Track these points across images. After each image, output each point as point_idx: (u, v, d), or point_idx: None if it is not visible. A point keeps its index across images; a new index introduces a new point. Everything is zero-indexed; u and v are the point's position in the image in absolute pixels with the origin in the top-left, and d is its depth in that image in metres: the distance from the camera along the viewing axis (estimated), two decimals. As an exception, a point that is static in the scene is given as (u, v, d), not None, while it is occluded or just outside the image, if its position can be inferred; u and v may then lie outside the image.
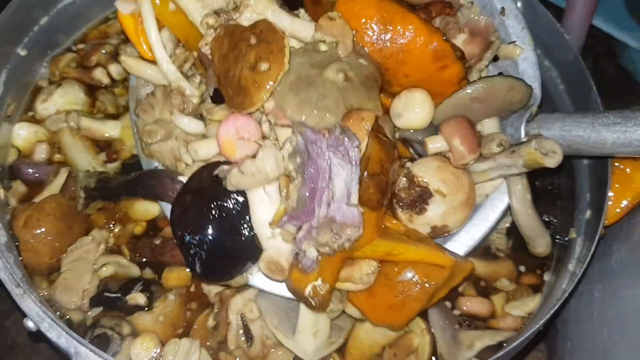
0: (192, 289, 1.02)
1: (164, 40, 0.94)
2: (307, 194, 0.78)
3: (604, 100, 1.02)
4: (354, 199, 0.79)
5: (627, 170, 1.01)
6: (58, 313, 0.98)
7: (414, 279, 0.85)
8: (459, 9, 0.97)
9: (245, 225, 0.85)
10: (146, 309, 0.99)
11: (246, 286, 0.94)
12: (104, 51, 1.21)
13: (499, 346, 0.97)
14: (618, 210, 1.02)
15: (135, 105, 0.97)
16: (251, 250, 0.85)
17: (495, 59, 1.00)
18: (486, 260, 1.06)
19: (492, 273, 1.06)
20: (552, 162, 0.84)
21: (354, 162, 0.78)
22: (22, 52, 1.15)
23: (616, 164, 1.01)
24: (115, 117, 1.16)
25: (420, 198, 0.88)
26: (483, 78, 0.92)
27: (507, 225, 1.07)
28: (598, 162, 1.02)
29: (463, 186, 0.89)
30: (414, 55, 0.87)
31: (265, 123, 0.85)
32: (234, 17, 0.87)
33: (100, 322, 0.97)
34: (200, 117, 0.92)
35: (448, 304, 1.03)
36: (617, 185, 1.01)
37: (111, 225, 1.06)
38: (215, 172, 0.84)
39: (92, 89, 1.19)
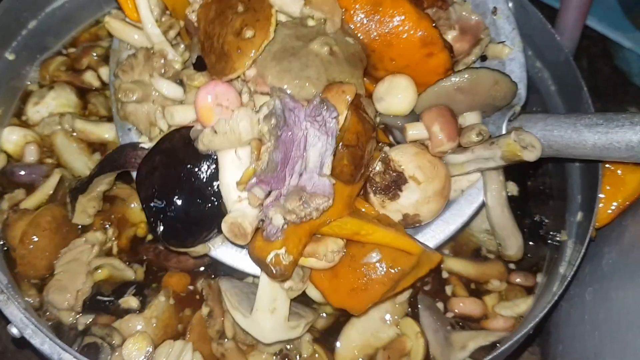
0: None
1: (151, 5, 0.93)
2: (279, 158, 0.77)
3: (599, 101, 1.02)
4: (327, 170, 0.78)
5: (618, 172, 1.01)
6: (48, 313, 0.97)
7: (379, 262, 0.83)
8: (452, 5, 0.97)
9: (213, 192, 0.83)
10: (138, 312, 0.97)
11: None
12: (94, 54, 1.19)
13: (492, 347, 0.95)
14: (609, 212, 1.01)
15: (115, 66, 0.96)
16: (217, 218, 0.83)
17: (484, 58, 0.99)
18: (477, 262, 1.05)
19: (482, 275, 1.04)
20: (531, 156, 0.83)
21: (330, 133, 0.78)
22: (10, 57, 1.14)
23: (607, 165, 1.00)
24: (108, 119, 1.14)
25: (395, 183, 0.87)
26: (469, 68, 0.91)
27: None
28: (589, 163, 1.01)
29: (439, 175, 0.88)
30: (401, 39, 0.87)
31: (245, 94, 0.83)
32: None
33: (91, 330, 0.95)
34: (180, 83, 0.91)
35: (440, 305, 1.02)
36: (608, 187, 1.00)
37: (107, 226, 1.04)
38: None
39: (83, 92, 1.18)
